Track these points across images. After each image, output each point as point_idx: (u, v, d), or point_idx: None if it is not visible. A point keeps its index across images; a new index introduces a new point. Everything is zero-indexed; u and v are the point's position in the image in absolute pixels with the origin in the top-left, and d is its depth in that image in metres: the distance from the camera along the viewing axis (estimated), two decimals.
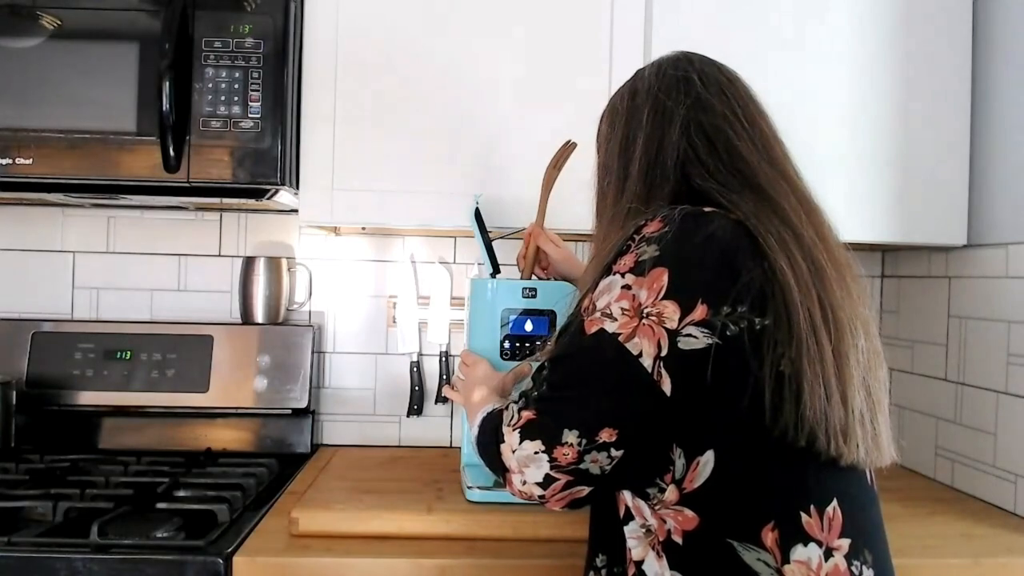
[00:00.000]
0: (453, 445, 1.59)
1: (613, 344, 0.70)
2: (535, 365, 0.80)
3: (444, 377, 1.57)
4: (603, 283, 0.73)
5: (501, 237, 1.29)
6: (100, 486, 1.20)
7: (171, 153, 1.18)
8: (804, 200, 0.78)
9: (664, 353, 0.68)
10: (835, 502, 0.70)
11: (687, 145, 0.79)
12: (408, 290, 1.58)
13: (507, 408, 0.78)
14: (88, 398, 1.45)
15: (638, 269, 0.71)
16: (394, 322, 1.59)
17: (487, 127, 1.28)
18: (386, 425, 1.59)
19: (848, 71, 1.32)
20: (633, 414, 0.70)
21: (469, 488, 1.14)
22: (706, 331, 0.68)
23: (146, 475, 1.27)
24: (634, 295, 0.70)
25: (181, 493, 1.17)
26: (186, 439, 1.46)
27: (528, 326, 1.16)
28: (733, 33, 1.29)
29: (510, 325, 1.16)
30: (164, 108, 1.15)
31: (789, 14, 1.30)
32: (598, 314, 0.72)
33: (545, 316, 1.17)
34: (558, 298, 1.17)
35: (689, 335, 0.68)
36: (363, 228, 1.49)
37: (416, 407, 1.57)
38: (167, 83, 1.14)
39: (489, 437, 0.80)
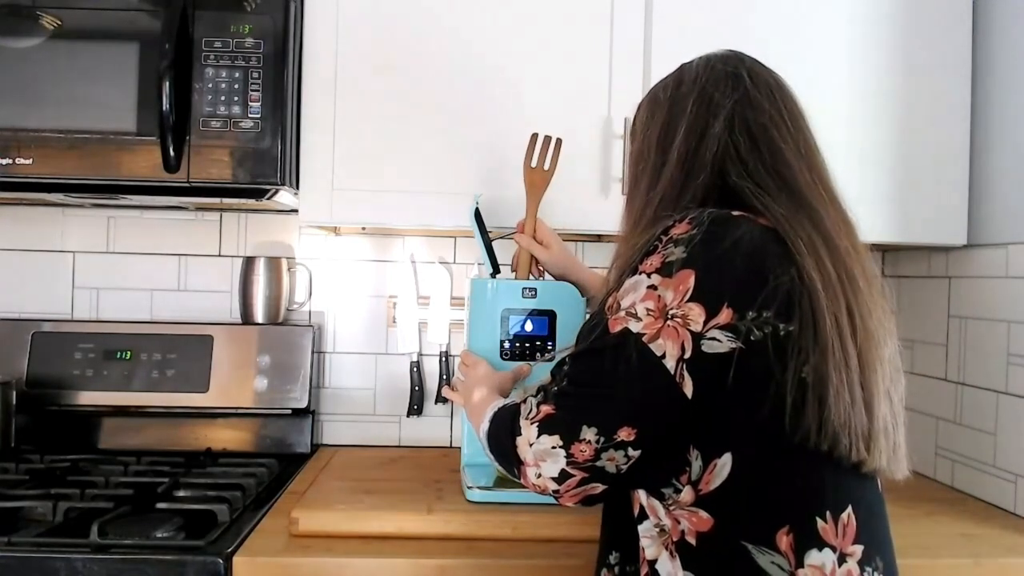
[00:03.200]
0: (453, 445, 1.59)
1: (637, 344, 0.69)
2: (534, 368, 0.80)
3: (444, 377, 1.57)
4: (628, 282, 0.73)
5: (501, 237, 1.29)
6: (100, 486, 1.20)
7: (171, 153, 1.18)
8: (841, 212, 0.78)
9: (687, 355, 0.68)
10: (850, 508, 0.70)
11: (728, 140, 0.78)
12: (408, 290, 1.58)
13: (524, 401, 0.78)
14: (88, 398, 1.45)
15: (665, 270, 0.70)
16: (394, 322, 1.59)
17: (487, 127, 1.28)
18: (386, 425, 1.59)
19: (848, 71, 1.32)
20: (653, 414, 0.70)
21: (469, 488, 1.14)
22: (730, 335, 0.68)
23: (146, 475, 1.27)
24: (660, 296, 0.70)
25: (181, 493, 1.17)
26: (186, 439, 1.46)
27: (528, 326, 1.16)
28: (733, 33, 1.29)
29: (510, 325, 1.16)
30: (164, 108, 1.15)
31: (789, 15, 1.30)
32: (623, 313, 0.71)
33: (545, 316, 1.17)
34: (558, 298, 1.17)
35: (713, 338, 0.68)
36: (363, 228, 1.49)
37: (416, 407, 1.57)
38: (167, 83, 1.14)
39: (503, 430, 0.80)
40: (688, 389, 0.69)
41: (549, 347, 1.16)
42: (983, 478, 1.30)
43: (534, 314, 1.16)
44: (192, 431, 1.46)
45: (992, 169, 1.32)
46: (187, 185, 1.21)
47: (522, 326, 1.16)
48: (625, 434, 0.70)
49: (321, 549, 1.01)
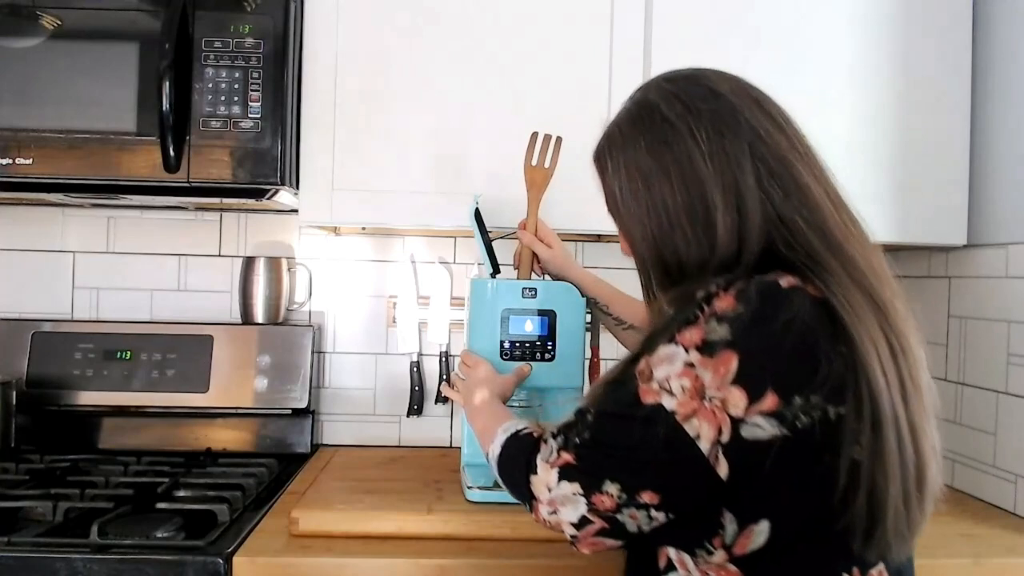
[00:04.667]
0: (453, 445, 1.59)
1: (669, 422, 0.65)
2: (534, 368, 0.76)
3: (444, 377, 1.57)
4: (663, 351, 0.68)
5: (501, 237, 1.29)
6: (100, 486, 1.20)
7: (171, 153, 1.18)
8: (859, 235, 0.75)
9: (725, 440, 0.64)
10: (881, 565, 0.69)
11: (766, 197, 0.71)
12: (408, 290, 1.58)
13: (545, 441, 0.75)
14: (88, 398, 1.45)
15: (705, 349, 0.65)
16: (394, 322, 1.59)
17: (487, 126, 1.28)
18: (386, 425, 1.59)
19: (848, 71, 1.32)
20: (680, 488, 0.67)
21: (469, 488, 1.14)
22: (774, 422, 0.63)
23: (146, 475, 1.27)
24: (697, 376, 0.65)
25: (181, 493, 1.17)
26: (186, 439, 1.46)
27: (528, 326, 1.16)
28: (733, 33, 1.29)
29: (510, 325, 1.16)
30: (164, 108, 1.15)
31: (789, 15, 1.30)
32: (655, 384, 0.67)
33: (545, 316, 1.17)
34: (558, 298, 1.17)
35: (755, 424, 0.64)
36: (363, 228, 1.49)
37: (416, 407, 1.57)
38: (167, 83, 1.14)
39: (517, 463, 0.78)
40: (723, 471, 0.65)
41: (549, 347, 1.16)
42: (983, 478, 1.30)
43: (534, 314, 1.16)
44: (192, 431, 1.46)
45: (992, 169, 1.32)
46: (187, 185, 1.21)
47: (522, 326, 1.16)
48: (648, 498, 0.67)
49: (321, 549, 1.01)
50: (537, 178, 1.19)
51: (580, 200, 1.26)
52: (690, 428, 0.65)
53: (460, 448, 1.29)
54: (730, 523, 0.67)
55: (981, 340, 1.32)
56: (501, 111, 1.28)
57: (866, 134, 1.32)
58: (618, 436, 0.69)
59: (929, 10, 1.33)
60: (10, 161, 1.19)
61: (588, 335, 1.28)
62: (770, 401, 0.63)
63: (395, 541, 1.05)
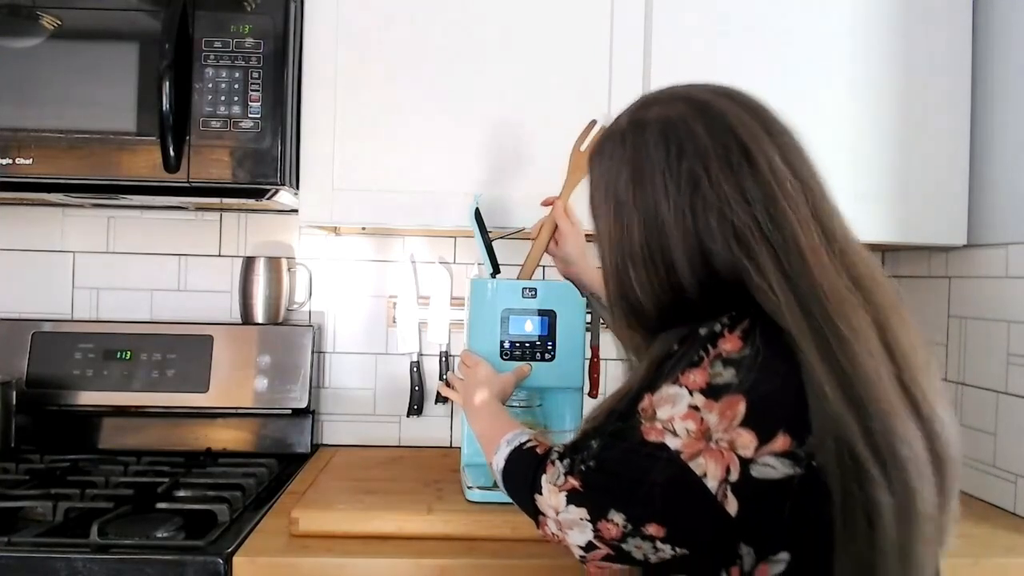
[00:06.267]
0: (453, 445, 1.59)
1: (674, 460, 0.64)
2: (534, 368, 0.75)
3: (444, 377, 1.57)
4: (666, 391, 0.66)
5: (501, 237, 1.29)
6: (100, 486, 1.20)
7: (171, 153, 1.18)
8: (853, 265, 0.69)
9: (733, 478, 0.62)
10: None
11: (733, 262, 0.68)
12: (408, 290, 1.58)
13: (552, 463, 0.74)
14: (88, 398, 1.45)
15: (711, 392, 0.63)
16: (394, 322, 1.59)
17: (488, 126, 1.28)
18: (386, 425, 1.59)
19: (848, 71, 1.32)
20: (686, 523, 0.65)
21: (469, 488, 1.14)
22: (788, 462, 0.61)
23: (146, 475, 1.27)
24: (703, 419, 0.63)
25: (181, 493, 1.17)
26: (186, 439, 1.46)
27: (528, 326, 1.16)
28: (733, 33, 1.29)
29: (510, 325, 1.16)
30: (164, 108, 1.15)
31: (789, 14, 1.30)
32: (659, 424, 0.65)
33: (545, 316, 1.17)
34: (558, 298, 1.17)
35: (766, 464, 0.62)
36: (363, 228, 1.49)
37: (416, 407, 1.57)
38: (167, 83, 1.14)
39: (522, 480, 0.78)
40: (732, 509, 0.62)
41: (549, 347, 1.16)
42: (983, 478, 1.30)
43: (534, 314, 1.16)
44: (192, 431, 1.46)
45: (992, 169, 1.32)
46: (187, 185, 1.21)
47: (522, 326, 1.16)
48: (654, 530, 0.66)
49: (321, 549, 1.01)
50: (581, 162, 1.19)
51: (580, 200, 1.26)
52: (696, 467, 0.63)
53: (460, 448, 1.29)
54: (748, 555, 0.65)
55: (981, 340, 1.32)
56: (501, 111, 1.28)
57: (866, 134, 1.32)
58: (623, 468, 0.67)
59: (929, 10, 1.33)
60: (10, 161, 1.19)
61: (588, 335, 1.28)
62: (781, 442, 0.62)
63: (395, 541, 1.05)
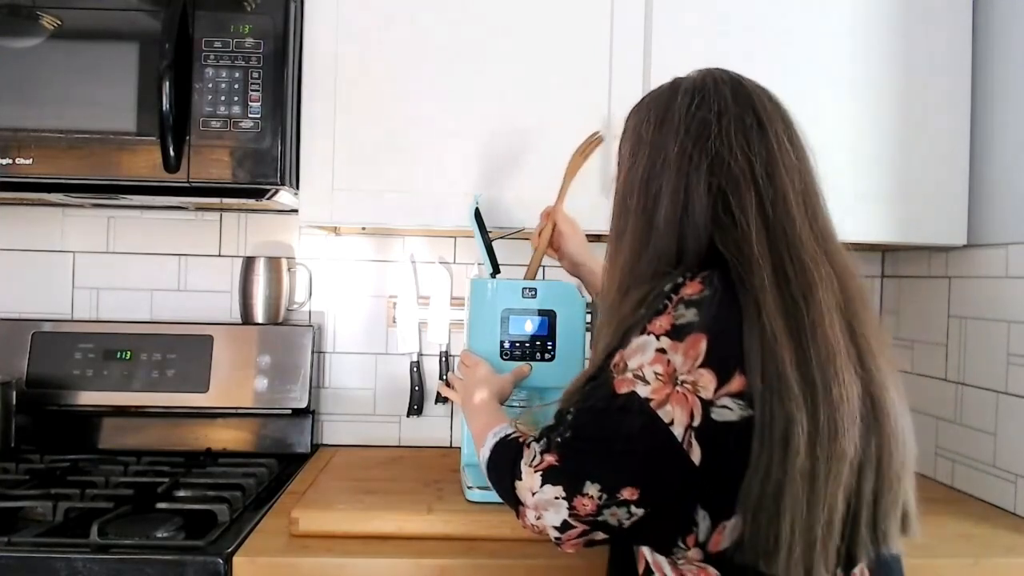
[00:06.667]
0: (453, 445, 1.59)
1: (644, 410, 0.67)
2: (534, 368, 0.75)
3: (444, 377, 1.57)
4: (636, 342, 0.70)
5: (501, 237, 1.29)
6: (100, 486, 1.20)
7: (171, 153, 1.18)
8: (824, 254, 0.72)
9: (696, 423, 0.66)
10: (863, 564, 0.69)
11: (712, 205, 0.74)
12: (408, 290, 1.58)
13: (528, 446, 0.77)
14: (88, 398, 1.45)
15: (675, 333, 0.68)
16: (394, 322, 1.59)
17: (487, 127, 1.28)
18: (386, 425, 1.59)
19: (848, 71, 1.32)
20: (657, 478, 0.68)
21: (469, 488, 1.14)
22: (741, 403, 0.66)
23: (146, 475, 1.27)
24: (669, 360, 0.67)
25: (181, 493, 1.17)
26: (186, 439, 1.46)
27: (528, 326, 1.16)
28: (733, 32, 1.29)
29: (510, 325, 1.16)
30: (164, 108, 1.15)
31: (790, 13, 1.30)
32: (630, 375, 0.69)
33: (545, 316, 1.17)
34: (558, 298, 1.17)
35: (724, 406, 0.66)
36: (363, 228, 1.49)
37: (416, 407, 1.57)
38: (167, 83, 1.14)
39: (503, 468, 0.80)
40: (696, 457, 0.66)
41: (549, 347, 1.16)
42: (983, 478, 1.30)
43: (534, 314, 1.16)
44: (192, 431, 1.46)
45: (992, 169, 1.32)
46: (187, 185, 1.21)
47: (522, 326, 1.16)
48: (628, 494, 0.69)
49: (321, 549, 1.01)
50: (575, 165, 1.19)
51: (581, 200, 1.27)
52: (664, 414, 0.67)
53: (460, 448, 1.29)
54: (703, 520, 0.68)
55: (981, 340, 1.32)
56: (501, 111, 1.28)
57: (866, 134, 1.32)
58: (597, 430, 0.71)
59: (929, 10, 1.33)
60: (10, 161, 1.19)
61: (588, 335, 1.28)
62: (737, 382, 0.66)
63: (395, 541, 1.05)
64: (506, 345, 1.15)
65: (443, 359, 1.57)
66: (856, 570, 0.69)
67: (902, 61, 1.32)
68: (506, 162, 1.27)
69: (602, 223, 1.30)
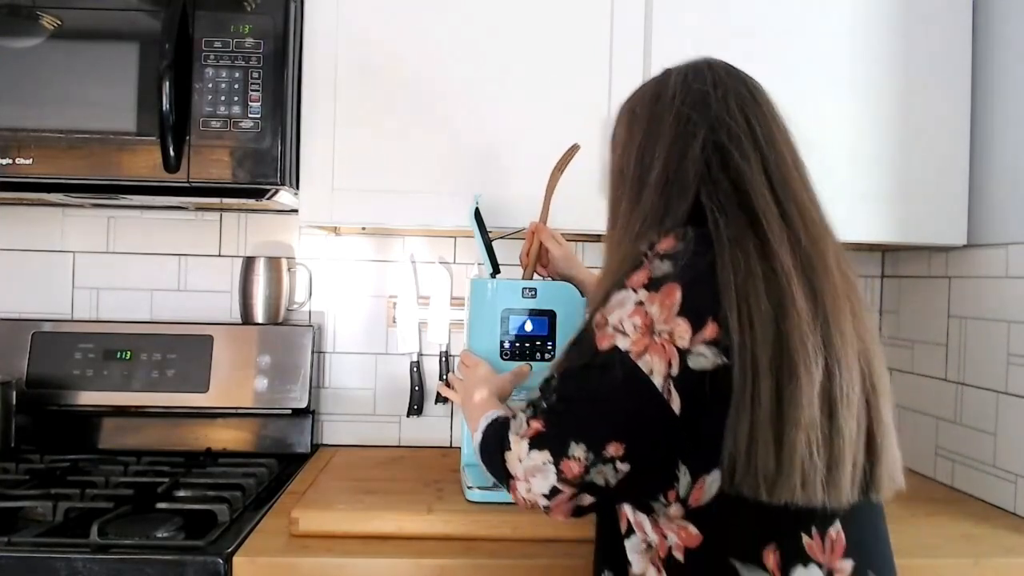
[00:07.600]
0: (453, 445, 1.59)
1: (625, 361, 0.69)
2: (534, 368, 0.78)
3: (444, 377, 1.57)
4: (616, 297, 0.72)
5: (501, 237, 1.29)
6: (100, 486, 1.20)
7: (171, 153, 1.18)
8: (803, 223, 0.74)
9: (675, 372, 0.68)
10: (838, 524, 0.69)
11: (705, 163, 0.76)
12: (408, 290, 1.58)
13: (515, 417, 0.78)
14: (88, 398, 1.45)
15: (652, 285, 0.70)
16: (394, 322, 1.59)
17: (487, 127, 1.28)
18: (386, 425, 1.59)
19: (849, 70, 1.32)
20: (641, 431, 0.70)
21: (469, 488, 1.14)
22: (715, 350, 0.67)
23: (146, 475, 1.27)
24: (647, 311, 0.69)
25: (181, 493, 1.17)
26: (186, 439, 1.46)
27: (528, 326, 1.16)
28: (733, 33, 1.29)
29: (510, 325, 1.16)
30: (164, 108, 1.15)
31: (789, 14, 1.30)
32: (610, 329, 0.71)
33: (545, 316, 1.17)
34: (558, 298, 1.17)
35: (700, 354, 0.67)
36: (363, 228, 1.49)
37: (416, 407, 1.57)
38: (167, 83, 1.14)
39: (493, 444, 0.80)
40: (676, 405, 0.68)
41: (549, 347, 1.16)
42: (983, 478, 1.30)
43: (534, 314, 1.16)
44: (192, 431, 1.46)
45: (992, 169, 1.32)
46: (187, 185, 1.21)
47: (522, 326, 1.16)
48: (614, 449, 0.70)
49: (321, 549, 1.01)
50: (554, 181, 1.19)
51: (580, 200, 1.27)
52: (644, 365, 0.68)
53: (460, 448, 1.29)
54: (684, 475, 0.70)
55: (981, 340, 1.32)
56: (501, 111, 1.28)
57: (866, 134, 1.32)
58: (581, 388, 0.73)
59: (929, 10, 1.33)
60: (10, 161, 1.19)
61: None
62: (711, 329, 0.67)
63: (395, 541, 1.05)
64: (506, 345, 1.15)
65: (443, 359, 1.57)
66: (832, 530, 0.69)
67: (902, 61, 1.32)
68: (506, 162, 1.27)
69: (601, 223, 1.30)
